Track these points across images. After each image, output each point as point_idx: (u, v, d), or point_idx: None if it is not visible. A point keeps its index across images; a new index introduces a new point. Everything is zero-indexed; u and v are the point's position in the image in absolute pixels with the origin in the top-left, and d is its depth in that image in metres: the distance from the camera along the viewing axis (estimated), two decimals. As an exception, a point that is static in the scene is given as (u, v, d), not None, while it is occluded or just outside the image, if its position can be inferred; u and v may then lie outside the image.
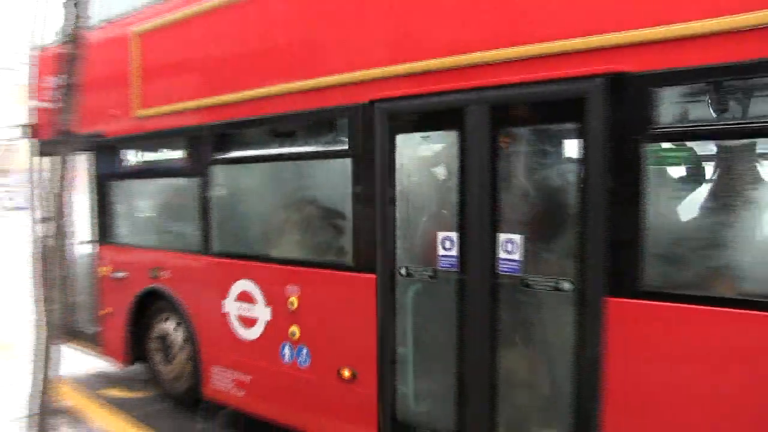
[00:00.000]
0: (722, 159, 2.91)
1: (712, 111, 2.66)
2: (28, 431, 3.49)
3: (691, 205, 2.97)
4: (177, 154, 5.19)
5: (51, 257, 3.57)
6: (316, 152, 4.08)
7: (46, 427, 3.50)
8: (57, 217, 3.58)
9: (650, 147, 2.70)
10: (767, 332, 2.36)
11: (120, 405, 5.33)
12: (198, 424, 4.97)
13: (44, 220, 5.94)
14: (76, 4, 3.36)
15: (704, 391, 2.54)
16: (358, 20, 3.73)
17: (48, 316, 3.56)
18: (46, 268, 3.56)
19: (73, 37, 3.38)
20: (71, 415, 5.01)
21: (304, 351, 4.14)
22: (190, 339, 5.06)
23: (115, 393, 5.64)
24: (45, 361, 3.51)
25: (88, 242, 6.12)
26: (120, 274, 5.69)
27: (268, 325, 4.35)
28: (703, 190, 2.95)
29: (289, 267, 4.20)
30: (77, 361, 6.22)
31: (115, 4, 5.67)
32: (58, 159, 4.81)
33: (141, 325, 5.57)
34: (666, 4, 2.62)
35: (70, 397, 5.38)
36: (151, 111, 5.17)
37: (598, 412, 2.78)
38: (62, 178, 3.51)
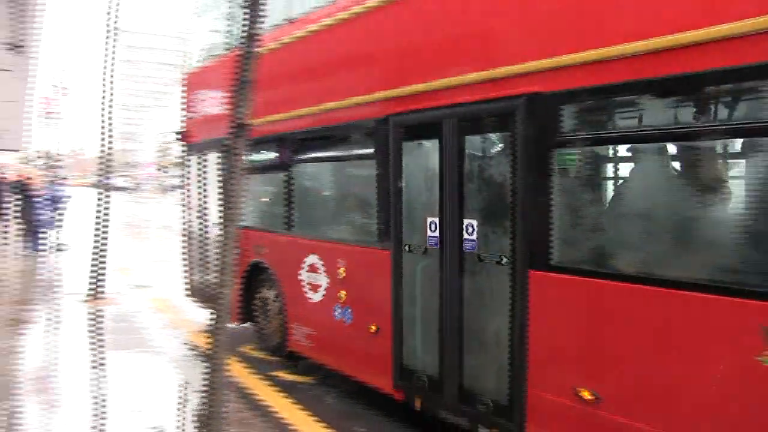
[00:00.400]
0: (615, 159, 3.73)
1: (604, 122, 3.48)
2: (203, 406, 3.70)
3: (591, 198, 3.70)
4: (271, 155, 6.45)
5: (220, 242, 3.71)
6: (353, 155, 5.39)
7: (219, 400, 3.71)
8: (227, 206, 3.70)
9: (558, 150, 3.48)
10: (640, 298, 3.11)
11: (284, 386, 5.68)
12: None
13: (188, 206, 6.41)
14: (251, 6, 3.50)
15: (595, 339, 3.36)
16: (370, 60, 4.98)
17: (220, 299, 3.71)
18: (216, 252, 3.70)
19: (249, 37, 3.52)
20: (241, 392, 5.37)
21: (348, 310, 5.27)
22: (281, 302, 6.27)
23: (283, 375, 6.02)
24: (216, 340, 3.70)
25: (218, 225, 6.72)
26: (235, 251, 6.21)
27: (327, 290, 5.50)
28: (602, 186, 3.78)
29: (338, 244, 5.40)
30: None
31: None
32: (200, 156, 5.32)
33: (250, 292, 6.87)
34: (563, 39, 3.44)
35: (241, 376, 5.82)
36: (259, 120, 5.88)
37: (525, 349, 3.70)
38: (233, 169, 3.65)
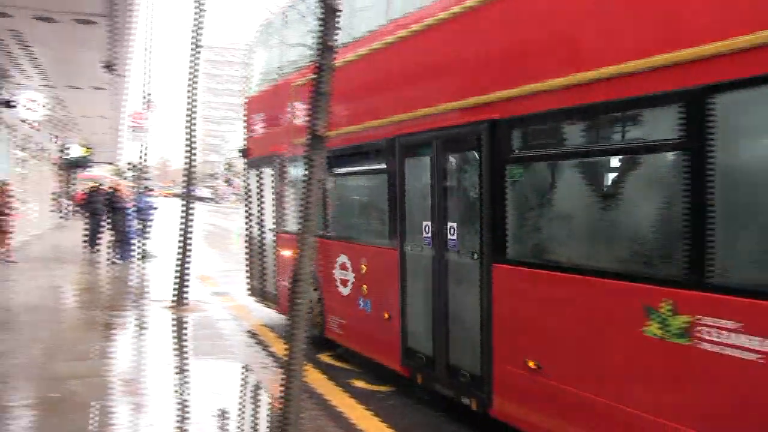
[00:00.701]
0: (549, 172, 4.36)
1: (541, 142, 4.30)
2: (280, 413, 3.76)
3: (532, 205, 4.43)
4: (303, 170, 7.12)
5: (302, 252, 3.77)
6: (371, 169, 6.29)
7: (296, 407, 3.76)
8: (304, 217, 3.75)
9: (509, 165, 4.42)
10: (563, 283, 3.97)
11: (360, 395, 5.79)
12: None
13: (248, 214, 7.09)
14: (326, 20, 3.56)
15: (535, 318, 4.21)
16: (381, 92, 6.08)
17: (296, 308, 3.76)
18: (297, 262, 3.77)
19: (325, 49, 3.58)
20: (318, 400, 5.50)
21: (369, 301, 6.18)
22: (320, 297, 7.26)
23: (360, 384, 6.15)
24: (293, 348, 3.76)
25: (272, 230, 8.75)
26: (286, 252, 8.07)
27: (353, 285, 6.46)
28: (539, 195, 4.39)
29: (361, 245, 6.40)
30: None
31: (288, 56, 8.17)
32: (257, 170, 6.17)
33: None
34: (511, 75, 4.40)
35: (318, 383, 5.99)
36: (300, 140, 6.74)
37: (491, 329, 4.55)
38: (311, 181, 3.71)
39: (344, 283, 6.64)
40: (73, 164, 33.72)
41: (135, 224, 15.36)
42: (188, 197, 9.60)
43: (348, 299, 6.55)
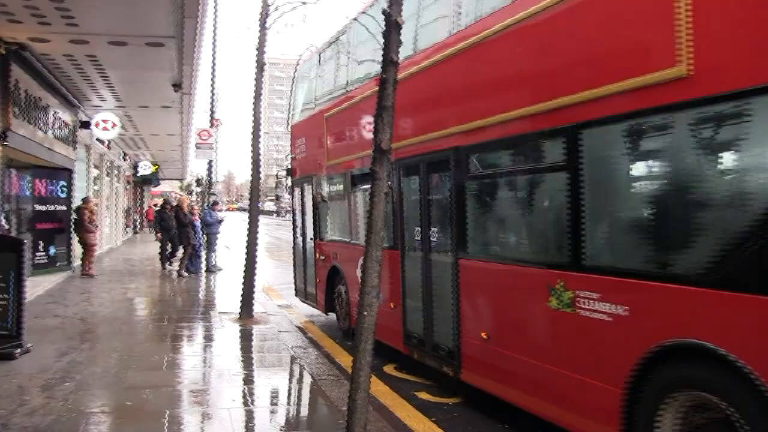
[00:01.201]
0: (490, 187, 5.70)
1: (486, 164, 5.72)
2: (346, 425, 3.77)
3: (478, 212, 5.86)
4: (333, 187, 9.21)
5: (368, 265, 3.78)
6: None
7: (361, 419, 3.76)
8: (370, 230, 3.76)
9: (467, 182, 5.77)
10: (495, 271, 5.37)
11: (426, 408, 5.80)
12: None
13: (294, 226, 10.15)
14: (389, 35, 3.58)
15: (483, 299, 5.58)
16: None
17: (363, 320, 3.77)
18: (364, 276, 3.79)
19: (388, 63, 3.60)
20: (383, 412, 5.54)
21: (381, 294, 6.42)
22: (347, 293, 8.55)
23: (426, 396, 6.17)
24: (358, 360, 3.77)
25: (311, 239, 10.17)
26: (322, 257, 9.66)
27: None
28: (486, 202, 5.79)
29: None
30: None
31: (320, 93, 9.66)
32: (300, 188, 9.82)
33: (332, 289, 9.25)
34: (465, 113, 5.75)
35: (384, 396, 6.07)
36: (332, 161, 8.99)
37: (459, 311, 5.82)
38: (377, 194, 3.72)
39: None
40: (143, 181, 35.12)
41: (202, 238, 15.82)
42: (253, 212, 9.82)
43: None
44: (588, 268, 4.19)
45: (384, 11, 3.67)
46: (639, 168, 4.16)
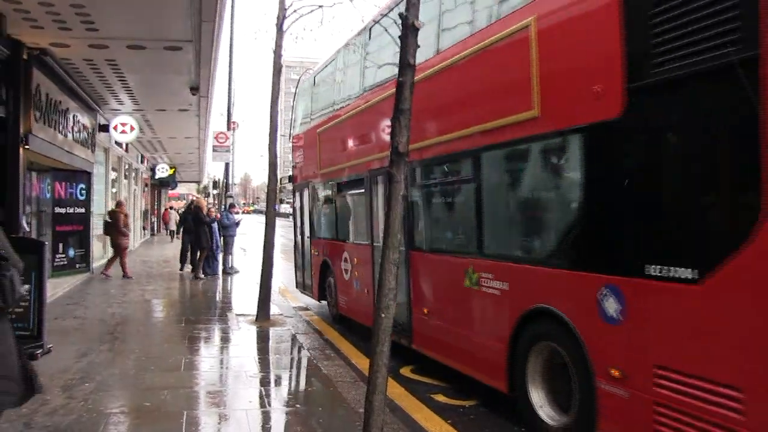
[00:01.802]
0: (423, 194, 7.13)
1: (428, 177, 7.06)
2: (363, 427, 3.78)
3: (415, 214, 7.16)
4: (324, 192, 10.65)
5: (385, 267, 3.78)
6: (355, 192, 9.04)
7: (378, 422, 3.76)
8: (387, 233, 3.77)
9: (411, 188, 6.96)
10: (429, 260, 6.83)
11: (443, 410, 5.81)
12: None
13: (296, 226, 11.69)
14: (406, 38, 3.59)
15: (424, 282, 6.91)
16: (354, 148, 9.03)
17: (380, 323, 3.78)
18: (382, 278, 3.79)
19: (405, 66, 3.61)
20: (400, 414, 5.57)
21: (358, 282, 8.87)
22: (335, 283, 9.94)
23: (442, 399, 6.17)
24: (375, 362, 3.77)
25: (308, 237, 11.57)
26: (316, 253, 11.04)
27: (350, 272, 9.16)
28: (422, 206, 7.12)
29: (353, 244, 9.13)
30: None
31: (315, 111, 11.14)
32: (300, 192, 11.57)
33: (323, 280, 10.68)
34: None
35: (400, 398, 6.09)
36: (323, 170, 10.44)
37: (411, 293, 7.09)
38: (394, 197, 3.72)
39: (346, 271, 9.32)
40: (160, 183, 35.40)
41: (219, 240, 15.90)
42: (270, 214, 9.87)
43: (348, 282, 9.23)
44: (486, 255, 5.66)
45: (401, 14, 3.69)
46: (510, 182, 5.64)
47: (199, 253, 15.42)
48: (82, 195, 14.10)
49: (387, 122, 7.01)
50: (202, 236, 15.22)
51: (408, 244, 6.97)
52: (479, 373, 5.83)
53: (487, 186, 5.71)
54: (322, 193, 10.60)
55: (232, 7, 20.55)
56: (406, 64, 3.60)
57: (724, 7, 3.35)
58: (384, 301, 3.75)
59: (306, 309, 11.36)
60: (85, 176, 14.12)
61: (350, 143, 9.08)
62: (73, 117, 12.76)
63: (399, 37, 3.65)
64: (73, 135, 12.80)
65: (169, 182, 36.13)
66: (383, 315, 3.76)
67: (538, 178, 5.18)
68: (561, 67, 4.69)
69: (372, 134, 8.23)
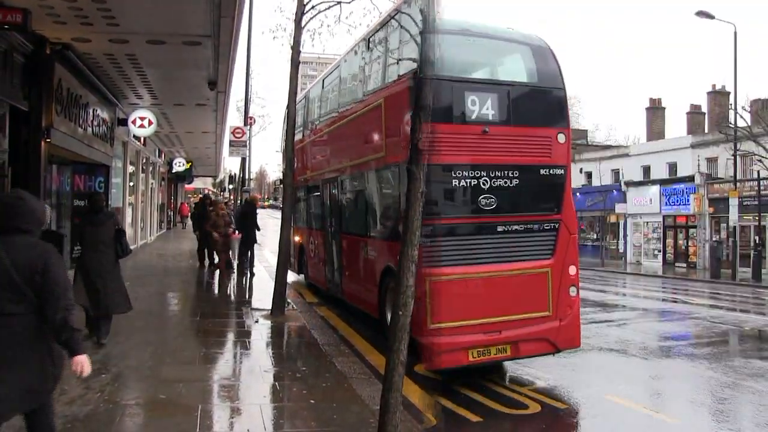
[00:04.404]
0: (325, 198, 11.72)
1: (309, 190, 13.21)
2: (378, 424, 3.78)
3: (344, 208, 10.61)
4: (301, 192, 13.82)
5: (403, 264, 3.77)
6: (316, 194, 12.66)
7: (394, 419, 3.76)
8: (406, 230, 3.75)
9: (341, 193, 10.79)
10: (347, 239, 10.28)
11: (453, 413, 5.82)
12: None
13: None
14: (426, 34, 3.58)
15: (342, 257, 10.52)
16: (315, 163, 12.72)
17: (397, 320, 3.76)
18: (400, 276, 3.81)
19: (424, 63, 3.60)
20: (414, 411, 5.51)
21: (318, 256, 12.41)
22: (306, 259, 13.72)
23: (445, 403, 6.13)
24: (392, 360, 3.76)
25: (292, 226, 13.05)
26: (296, 237, 13.85)
27: (314, 249, 12.84)
28: (350, 204, 10.40)
29: (316, 229, 12.65)
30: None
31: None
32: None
33: (301, 258, 14.20)
34: (330, 163, 11.45)
35: (414, 395, 6.12)
36: (300, 176, 13.09)
37: (342, 264, 10.44)
38: (413, 195, 3.72)
39: (312, 250, 12.85)
40: (177, 177, 35.63)
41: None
42: (286, 210, 9.91)
43: (313, 257, 12.76)
44: (369, 236, 8.86)
45: (421, 10, 3.69)
46: (358, 192, 9.64)
47: (249, 251, 14.83)
48: (100, 188, 14.22)
49: (329, 148, 11.24)
50: (251, 232, 14.58)
51: (337, 228, 10.58)
52: (368, 308, 8.90)
53: (368, 193, 9.01)
54: (301, 193, 13.87)
55: (251, 3, 20.62)
56: (426, 60, 3.60)
57: None
58: (402, 298, 3.72)
59: (321, 305, 11.40)
60: (104, 169, 14.25)
61: (311, 159, 12.68)
62: (93, 111, 12.89)
63: (419, 33, 3.65)
64: (92, 129, 12.92)
65: (185, 176, 36.36)
66: (401, 313, 3.73)
67: (392, 188, 8.09)
68: (394, 126, 7.57)
69: (322, 155, 11.85)
